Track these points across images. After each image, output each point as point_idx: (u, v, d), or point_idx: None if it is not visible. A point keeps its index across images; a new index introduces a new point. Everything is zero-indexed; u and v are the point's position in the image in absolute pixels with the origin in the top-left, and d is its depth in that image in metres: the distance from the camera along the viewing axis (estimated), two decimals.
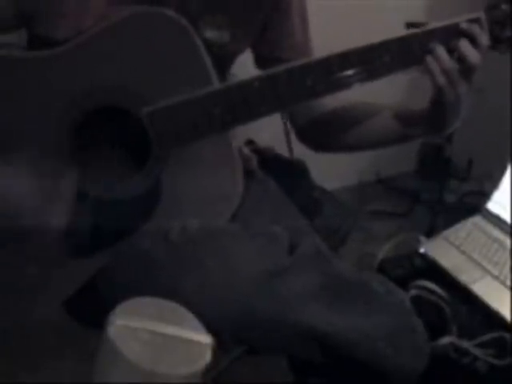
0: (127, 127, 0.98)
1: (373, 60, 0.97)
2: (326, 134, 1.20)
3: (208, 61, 0.96)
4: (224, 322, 0.96)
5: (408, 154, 2.66)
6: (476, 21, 0.99)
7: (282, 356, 1.15)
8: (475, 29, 0.98)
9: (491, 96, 2.18)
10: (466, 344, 1.28)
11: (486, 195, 1.69)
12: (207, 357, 0.82)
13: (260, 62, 1.17)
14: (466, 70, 0.98)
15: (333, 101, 1.13)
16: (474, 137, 2.30)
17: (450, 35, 0.99)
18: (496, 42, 1.01)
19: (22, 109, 0.97)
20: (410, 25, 1.03)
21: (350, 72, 0.97)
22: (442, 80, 0.98)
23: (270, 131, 1.46)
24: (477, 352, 1.27)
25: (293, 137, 1.41)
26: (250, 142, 1.33)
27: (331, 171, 2.09)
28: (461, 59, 0.98)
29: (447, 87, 0.99)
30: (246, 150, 1.24)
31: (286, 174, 1.32)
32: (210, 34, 1.02)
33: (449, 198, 2.35)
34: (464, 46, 0.98)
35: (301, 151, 1.39)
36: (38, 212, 0.97)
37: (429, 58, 0.98)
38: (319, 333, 0.98)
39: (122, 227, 0.98)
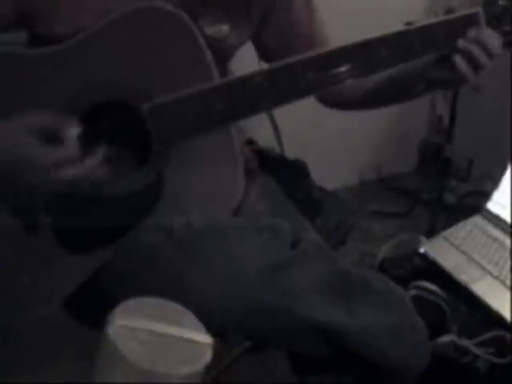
0: (128, 123, 0.98)
1: (372, 54, 0.98)
2: (356, 108, 1.25)
3: (209, 56, 0.96)
4: (229, 315, 0.96)
5: (408, 154, 2.66)
6: (474, 16, 1.00)
7: (283, 355, 1.15)
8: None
9: (491, 96, 2.18)
10: (466, 343, 1.28)
11: (486, 195, 1.69)
12: (207, 357, 0.82)
13: (264, 54, 1.17)
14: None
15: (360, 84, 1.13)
16: (474, 137, 2.30)
17: (448, 30, 0.99)
18: None
19: (23, 105, 0.97)
20: (410, 25, 1.03)
21: (349, 66, 0.97)
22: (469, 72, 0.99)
23: (269, 131, 1.46)
24: (477, 351, 1.27)
25: (288, 136, 1.42)
26: (250, 142, 1.33)
27: (331, 171, 2.09)
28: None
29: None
30: (247, 150, 1.24)
31: (286, 173, 1.32)
32: (209, 29, 1.02)
33: (449, 198, 2.35)
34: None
35: (300, 151, 1.39)
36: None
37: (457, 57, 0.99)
38: (322, 326, 0.99)
39: (123, 223, 0.98)
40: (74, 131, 0.91)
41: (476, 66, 0.99)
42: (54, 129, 0.91)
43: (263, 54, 1.18)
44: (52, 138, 0.91)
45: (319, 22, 1.18)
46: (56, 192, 0.96)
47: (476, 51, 0.98)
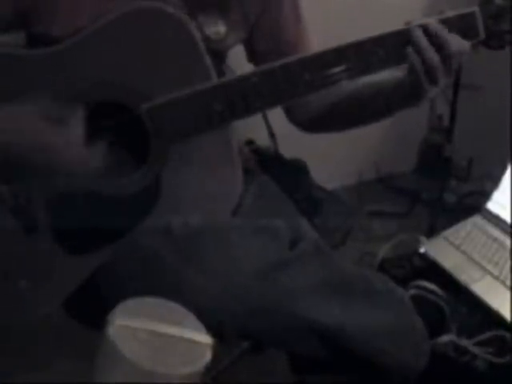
0: (127, 123, 0.99)
1: (368, 54, 0.98)
2: (324, 125, 1.19)
3: (207, 57, 0.96)
4: (228, 315, 0.97)
5: (408, 154, 2.66)
6: (470, 15, 0.99)
7: (283, 355, 1.15)
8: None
9: (491, 96, 2.18)
10: (465, 342, 1.28)
11: (486, 195, 1.70)
12: (207, 357, 0.82)
13: (253, 56, 1.17)
14: (447, 57, 0.97)
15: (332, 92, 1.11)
16: (474, 137, 2.30)
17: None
18: (490, 36, 1.01)
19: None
20: (408, 24, 1.03)
21: (345, 67, 0.97)
22: (421, 69, 0.97)
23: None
24: (476, 350, 1.27)
25: (286, 136, 1.41)
26: (250, 142, 1.33)
27: (331, 171, 2.09)
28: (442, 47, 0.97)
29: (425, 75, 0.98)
30: (246, 150, 1.24)
31: (286, 173, 1.32)
32: (206, 30, 1.02)
33: (449, 197, 2.35)
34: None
35: (298, 151, 1.40)
36: None
37: (410, 51, 0.97)
38: (321, 325, 0.99)
39: (122, 223, 0.99)
40: (79, 116, 0.93)
41: (428, 69, 0.96)
42: (61, 113, 0.92)
43: (252, 56, 1.18)
44: (58, 121, 0.92)
45: (306, 34, 1.17)
46: (55, 191, 0.96)
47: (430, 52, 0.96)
